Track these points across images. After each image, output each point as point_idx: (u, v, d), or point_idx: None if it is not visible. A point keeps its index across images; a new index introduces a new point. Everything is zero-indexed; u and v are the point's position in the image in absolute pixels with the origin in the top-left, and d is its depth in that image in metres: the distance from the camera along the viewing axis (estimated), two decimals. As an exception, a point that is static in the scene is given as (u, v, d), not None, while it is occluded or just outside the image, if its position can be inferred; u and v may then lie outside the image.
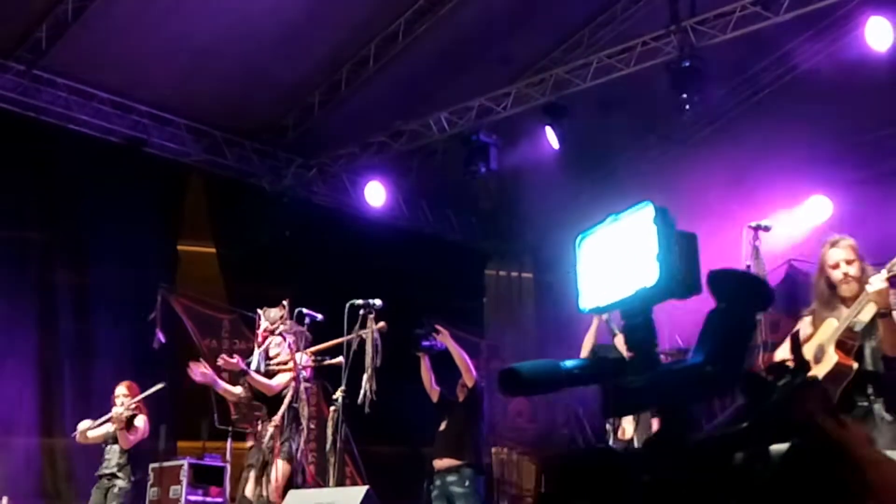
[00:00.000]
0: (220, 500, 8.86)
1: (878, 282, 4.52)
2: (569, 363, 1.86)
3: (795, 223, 9.78)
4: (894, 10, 7.96)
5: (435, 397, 7.39)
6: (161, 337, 9.13)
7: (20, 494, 8.90)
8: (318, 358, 6.80)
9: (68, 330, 9.76)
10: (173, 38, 9.21)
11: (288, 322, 6.83)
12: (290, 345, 6.77)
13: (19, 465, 9.29)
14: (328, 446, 6.39)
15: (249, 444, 7.11)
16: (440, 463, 7.18)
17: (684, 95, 8.42)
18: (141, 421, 8.22)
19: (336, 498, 5.52)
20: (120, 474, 8.05)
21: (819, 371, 4.77)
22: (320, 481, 8.22)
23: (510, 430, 11.57)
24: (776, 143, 9.48)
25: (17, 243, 9.65)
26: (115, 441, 8.13)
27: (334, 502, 5.45)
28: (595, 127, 9.86)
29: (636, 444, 6.04)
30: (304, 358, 6.73)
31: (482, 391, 7.38)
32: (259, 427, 6.73)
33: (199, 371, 6.92)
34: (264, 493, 6.36)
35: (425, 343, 7.20)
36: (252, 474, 6.55)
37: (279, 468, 6.50)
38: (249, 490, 6.54)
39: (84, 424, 8.23)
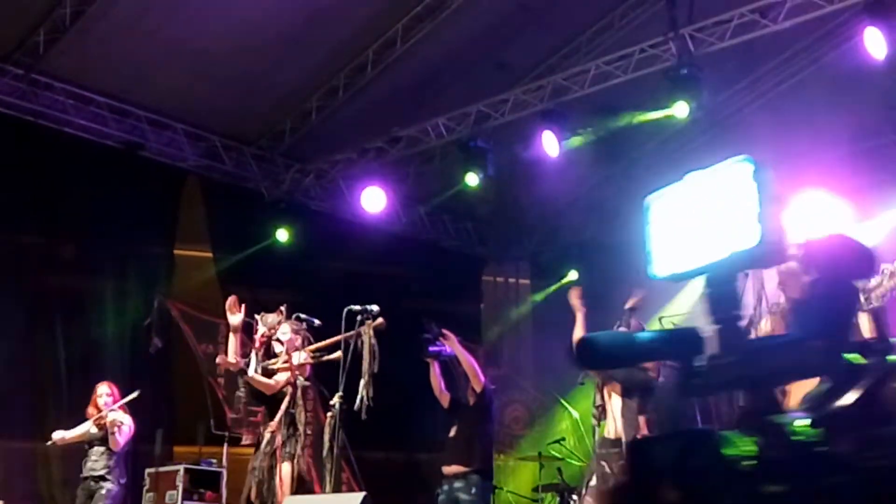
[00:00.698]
0: (216, 506, 8.84)
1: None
2: (645, 335, 1.71)
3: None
4: (889, 19, 7.96)
5: (445, 403, 7.36)
6: (157, 342, 9.11)
7: (15, 498, 8.88)
8: (317, 354, 6.78)
9: (64, 334, 9.74)
10: (171, 43, 9.21)
11: (288, 323, 6.81)
12: (287, 344, 6.76)
13: (14, 469, 9.26)
14: (325, 452, 6.38)
15: (247, 444, 7.10)
16: (448, 469, 7.16)
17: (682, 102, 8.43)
18: (128, 423, 8.21)
19: (333, 504, 5.52)
20: (108, 476, 8.05)
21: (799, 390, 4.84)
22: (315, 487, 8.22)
23: (507, 436, 11.56)
24: (774, 149, 9.50)
25: (13, 247, 9.64)
26: (101, 443, 8.11)
27: (331, 509, 5.44)
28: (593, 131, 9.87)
29: (624, 442, 6.02)
30: (302, 356, 6.72)
31: (492, 396, 7.36)
32: (260, 430, 6.71)
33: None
34: (273, 497, 6.35)
35: (433, 349, 7.18)
36: (254, 479, 6.53)
37: (283, 471, 6.49)
38: (253, 495, 6.52)
39: (58, 435, 8.23)
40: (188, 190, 10.85)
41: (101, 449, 8.12)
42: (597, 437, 6.46)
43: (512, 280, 13.31)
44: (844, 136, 9.29)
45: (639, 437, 6.04)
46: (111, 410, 8.13)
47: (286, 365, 6.68)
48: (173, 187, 10.69)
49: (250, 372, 6.72)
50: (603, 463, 6.15)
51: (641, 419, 6.16)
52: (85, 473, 8.15)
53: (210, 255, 10.92)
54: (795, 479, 1.44)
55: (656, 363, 6.25)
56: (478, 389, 7.19)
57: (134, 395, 8.34)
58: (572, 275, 12.32)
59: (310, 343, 6.86)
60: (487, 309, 13.05)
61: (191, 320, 10.35)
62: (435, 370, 7.32)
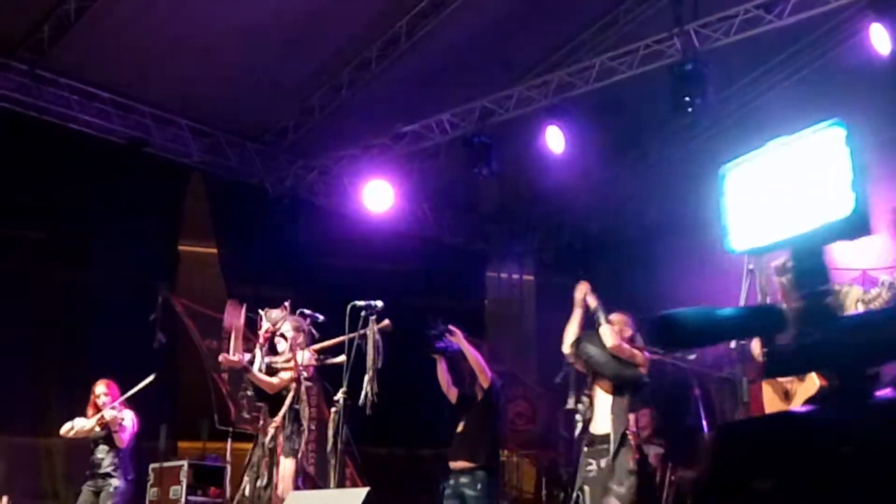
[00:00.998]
0: (219, 500, 8.86)
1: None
2: (727, 311, 1.59)
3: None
4: (894, 15, 7.95)
5: (454, 398, 7.36)
6: (161, 337, 9.12)
7: (18, 494, 8.90)
8: (321, 357, 6.79)
9: (67, 329, 9.76)
10: (176, 38, 9.21)
11: (290, 319, 6.81)
12: (290, 342, 6.76)
13: (17, 464, 9.28)
14: (329, 447, 6.37)
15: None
16: (455, 464, 7.16)
17: (687, 98, 8.41)
18: (129, 419, 8.18)
19: (337, 499, 5.52)
20: (115, 473, 8.03)
21: (803, 393, 5.04)
22: (319, 483, 8.23)
23: (510, 431, 11.55)
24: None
25: (16, 242, 9.66)
26: (105, 441, 8.10)
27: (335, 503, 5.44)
28: (598, 127, 9.86)
29: (613, 439, 5.94)
30: (306, 355, 6.72)
31: (499, 391, 7.35)
32: (260, 425, 6.73)
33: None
34: (273, 492, 6.37)
35: (440, 345, 7.16)
36: (251, 475, 6.53)
37: (285, 466, 6.49)
38: (249, 491, 6.53)
39: (66, 427, 8.22)
40: (192, 186, 10.87)
41: (106, 447, 8.11)
42: (579, 434, 6.30)
43: (516, 276, 13.30)
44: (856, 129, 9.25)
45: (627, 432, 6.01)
46: (110, 408, 8.09)
47: (289, 364, 6.67)
48: (177, 183, 10.71)
49: (254, 369, 6.73)
50: (591, 461, 6.10)
51: (632, 417, 6.13)
52: (91, 469, 8.15)
53: (214, 250, 10.93)
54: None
55: (647, 359, 6.25)
56: (485, 385, 7.19)
57: (149, 379, 8.27)
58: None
59: (313, 339, 6.86)
60: (491, 305, 13.05)
61: (195, 316, 10.36)
62: (442, 366, 7.31)
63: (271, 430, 6.62)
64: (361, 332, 6.40)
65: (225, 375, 10.32)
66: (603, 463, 5.99)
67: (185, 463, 8.96)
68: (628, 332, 6.29)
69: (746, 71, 9.97)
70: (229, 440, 9.28)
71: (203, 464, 8.96)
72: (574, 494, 6.16)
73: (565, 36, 9.93)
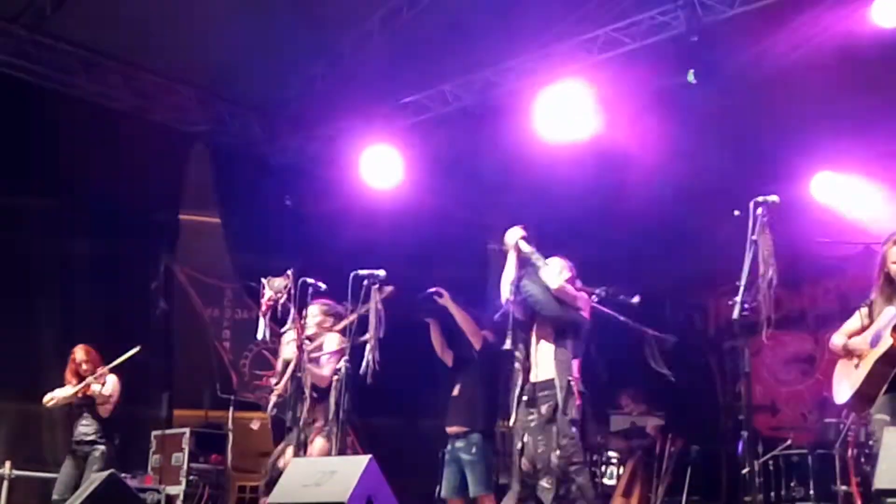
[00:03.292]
0: (221, 467, 8.92)
1: None
2: None
3: (802, 199, 9.77)
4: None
5: (449, 361, 7.37)
6: (163, 305, 9.15)
7: (20, 460, 8.96)
8: (351, 337, 6.81)
9: (69, 297, 9.78)
10: (178, 6, 9.16)
11: (317, 303, 6.82)
12: (294, 316, 6.77)
13: (19, 431, 9.34)
14: (330, 416, 6.41)
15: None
16: (451, 429, 7.20)
17: (692, 70, 8.37)
18: (111, 387, 8.17)
19: (338, 467, 5.55)
20: (100, 440, 8.07)
21: (876, 353, 5.19)
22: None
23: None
24: (783, 119, 9.46)
25: (17, 209, 9.65)
26: (88, 410, 8.11)
27: (337, 472, 5.47)
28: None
29: (559, 386, 5.86)
30: (336, 338, 6.74)
31: (493, 352, 7.33)
32: (302, 412, 6.72)
33: None
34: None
35: (430, 307, 7.18)
36: (290, 449, 6.59)
37: (315, 445, 6.60)
38: (282, 463, 6.59)
39: (48, 397, 8.23)
40: (195, 154, 10.85)
41: (90, 416, 8.14)
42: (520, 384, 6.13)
43: (517, 248, 13.28)
44: (857, 104, 9.24)
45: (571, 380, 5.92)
46: (95, 381, 8.06)
47: (328, 352, 6.73)
48: (180, 151, 10.69)
49: (258, 338, 6.76)
50: (531, 410, 6.00)
51: (575, 362, 6.02)
52: (76, 437, 8.17)
53: (217, 219, 10.94)
54: None
55: (587, 302, 6.18)
56: (477, 347, 7.20)
57: (133, 351, 8.25)
58: None
59: (340, 318, 6.86)
60: (494, 276, 13.03)
61: (197, 284, 10.39)
62: (435, 329, 7.32)
63: (273, 398, 6.67)
64: (365, 304, 6.40)
65: (227, 344, 10.37)
66: (544, 409, 5.89)
67: (186, 430, 9.02)
68: (568, 274, 6.27)
69: (755, 41, 9.90)
70: (231, 408, 9.32)
71: (205, 431, 9.01)
72: (517, 444, 6.04)
73: (569, 7, 9.86)
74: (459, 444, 7.05)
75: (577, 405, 5.81)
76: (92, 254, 9.96)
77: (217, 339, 10.35)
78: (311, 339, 6.83)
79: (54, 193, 9.85)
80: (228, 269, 10.75)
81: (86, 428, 8.14)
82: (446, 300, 7.14)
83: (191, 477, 8.75)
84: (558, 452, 5.72)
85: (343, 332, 6.80)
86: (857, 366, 5.35)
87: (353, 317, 6.57)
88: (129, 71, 9.84)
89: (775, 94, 9.71)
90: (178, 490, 8.82)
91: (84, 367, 8.16)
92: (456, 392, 7.24)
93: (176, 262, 10.28)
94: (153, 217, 10.30)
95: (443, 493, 7.24)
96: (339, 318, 6.93)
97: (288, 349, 6.81)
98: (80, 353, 8.25)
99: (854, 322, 5.53)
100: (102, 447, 8.07)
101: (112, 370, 8.22)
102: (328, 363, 6.77)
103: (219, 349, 10.34)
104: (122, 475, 7.83)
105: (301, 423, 6.49)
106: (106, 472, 7.27)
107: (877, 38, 8.28)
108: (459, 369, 7.33)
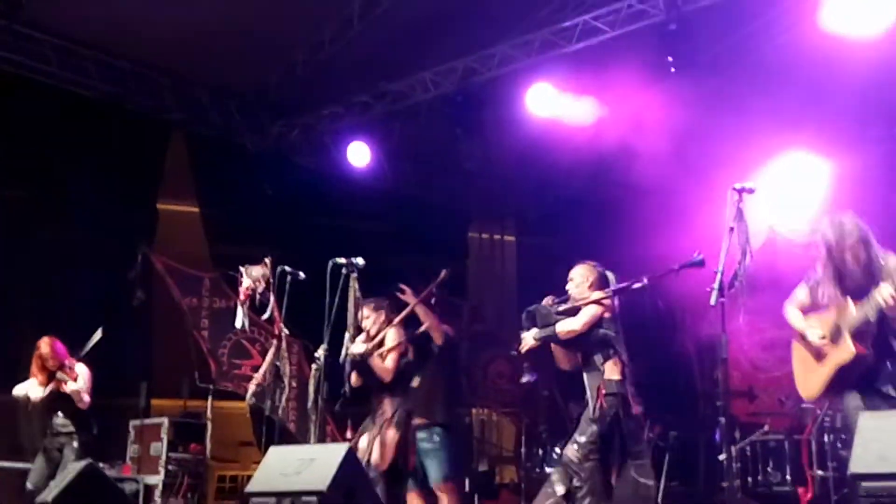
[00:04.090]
0: (200, 457, 8.90)
1: (888, 297, 4.88)
2: None
3: (778, 187, 9.82)
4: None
5: (410, 354, 7.42)
6: (141, 294, 9.10)
7: (1, 450, 8.91)
8: (409, 331, 6.91)
9: (46, 287, 9.72)
10: (155, -8, 9.09)
11: (368, 303, 6.84)
12: (273, 305, 6.76)
13: (-2, 422, 9.28)
14: (310, 404, 6.41)
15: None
16: (413, 421, 7.25)
17: (670, 59, 8.40)
18: (82, 381, 8.05)
19: (317, 455, 5.54)
20: (77, 431, 7.98)
21: (837, 357, 5.18)
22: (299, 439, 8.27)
23: (491, 390, 11.64)
24: (761, 107, 9.49)
25: (-6, 199, 9.59)
26: (62, 408, 7.98)
27: (316, 459, 5.46)
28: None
29: (590, 396, 5.95)
30: (393, 333, 6.80)
31: (455, 346, 7.37)
32: (378, 402, 6.73)
33: None
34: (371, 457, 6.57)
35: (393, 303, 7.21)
36: (366, 437, 6.70)
37: (390, 437, 6.65)
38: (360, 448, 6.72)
39: (20, 392, 8.10)
40: (173, 143, 10.79)
41: (62, 413, 8.03)
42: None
43: (497, 236, 13.34)
44: (835, 93, 9.28)
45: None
46: (67, 373, 7.91)
47: (395, 349, 6.79)
48: (158, 140, 10.62)
49: (237, 326, 6.74)
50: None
51: (608, 365, 6.09)
52: (53, 430, 8.07)
53: (195, 208, 10.89)
54: None
55: (601, 307, 6.17)
56: (439, 342, 7.24)
57: (97, 334, 8.11)
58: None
59: (390, 311, 6.92)
60: (473, 265, 13.08)
61: (175, 274, 10.34)
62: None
63: (252, 387, 6.67)
64: (357, 293, 6.42)
65: (205, 333, 10.34)
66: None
67: (165, 420, 8.98)
68: (594, 275, 6.25)
69: (733, 30, 9.93)
70: (210, 398, 9.30)
71: (184, 420, 8.99)
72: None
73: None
74: (421, 434, 7.12)
75: (599, 406, 5.91)
76: (69, 243, 9.89)
77: (195, 328, 10.31)
78: (372, 337, 6.89)
79: (31, 183, 9.77)
80: (206, 258, 10.71)
81: (61, 420, 8.05)
82: (408, 296, 7.16)
83: (169, 466, 8.72)
84: (574, 447, 5.85)
85: (400, 324, 6.92)
86: (818, 359, 5.33)
87: (408, 310, 6.63)
88: (104, 59, 9.76)
89: (755, 81, 9.76)
90: (156, 480, 8.79)
91: (50, 361, 7.98)
92: (416, 384, 7.30)
93: (154, 252, 10.22)
94: (130, 206, 10.23)
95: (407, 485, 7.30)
96: (388, 311, 6.99)
97: (356, 346, 6.85)
98: (44, 346, 8.02)
99: (802, 294, 5.42)
100: (82, 437, 7.99)
101: (80, 360, 8.08)
102: (391, 357, 6.84)
103: (197, 338, 10.30)
104: (101, 465, 7.79)
105: (279, 411, 6.50)
106: (83, 462, 7.23)
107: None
108: (420, 363, 7.40)
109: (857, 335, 5.08)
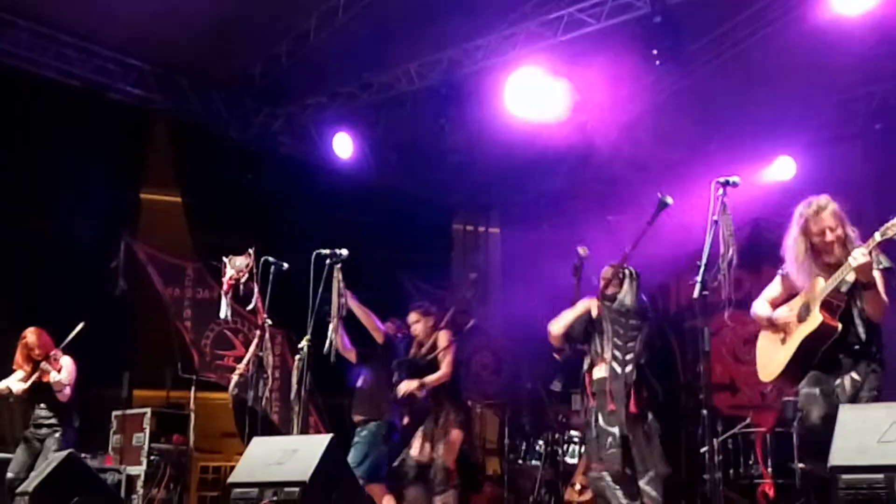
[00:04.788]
0: (183, 447, 8.88)
1: (860, 256, 4.71)
2: None
3: (761, 181, 9.87)
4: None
5: (353, 358, 7.53)
6: (123, 284, 9.06)
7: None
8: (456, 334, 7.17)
9: (27, 277, 9.64)
10: (139, -19, 9.03)
11: (421, 321, 7.13)
12: (257, 296, 6.75)
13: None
14: (292, 395, 6.41)
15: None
16: (356, 418, 7.48)
17: (655, 51, 8.41)
18: (66, 372, 8.01)
19: (300, 446, 5.53)
20: (59, 423, 7.94)
21: (804, 329, 5.02)
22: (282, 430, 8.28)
23: (474, 382, 11.65)
24: (744, 101, 9.52)
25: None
26: (44, 399, 7.94)
27: (298, 450, 5.46)
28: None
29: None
30: (446, 335, 7.07)
31: (395, 346, 7.45)
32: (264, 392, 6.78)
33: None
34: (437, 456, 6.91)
35: (328, 307, 7.25)
36: (420, 438, 7.02)
37: (452, 435, 6.98)
38: (415, 451, 7.02)
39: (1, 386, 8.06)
40: (156, 133, 10.72)
41: (45, 404, 7.99)
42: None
43: (482, 228, 13.34)
44: (819, 87, 9.33)
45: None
46: (51, 363, 7.86)
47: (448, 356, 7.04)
48: (140, 129, 10.55)
49: (222, 314, 6.74)
50: None
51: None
52: (34, 421, 8.03)
53: (178, 199, 10.83)
54: None
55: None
56: (379, 341, 7.33)
57: (79, 327, 8.07)
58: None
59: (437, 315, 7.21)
60: (458, 257, 13.09)
61: (158, 263, 10.30)
62: (338, 330, 7.42)
63: (235, 378, 6.66)
64: (341, 284, 6.44)
65: (188, 324, 10.31)
66: None
67: (147, 410, 8.95)
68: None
69: (717, 23, 9.96)
70: (193, 388, 9.27)
71: (166, 411, 8.95)
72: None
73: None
74: (364, 432, 7.24)
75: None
76: (51, 233, 9.82)
77: (178, 318, 10.28)
78: (422, 343, 7.23)
79: (9, 172, 9.68)
80: (189, 248, 10.66)
81: (43, 412, 8.00)
82: (347, 299, 7.23)
83: (152, 457, 8.68)
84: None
85: (446, 326, 7.18)
86: (783, 341, 5.21)
87: (451, 313, 6.93)
88: (87, 48, 9.68)
89: (738, 75, 9.79)
90: (139, 470, 8.75)
91: (36, 351, 7.95)
92: (360, 383, 7.45)
93: (136, 241, 10.17)
94: (113, 195, 10.16)
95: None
96: (436, 315, 7.28)
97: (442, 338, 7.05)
98: (31, 336, 8.00)
99: (775, 288, 5.36)
100: (64, 428, 7.95)
101: (65, 352, 8.06)
102: (446, 359, 7.06)
103: (180, 329, 10.27)
104: (83, 455, 7.76)
105: (262, 401, 6.49)
106: (65, 452, 7.19)
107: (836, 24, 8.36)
108: (363, 363, 7.50)
109: (827, 306, 4.94)
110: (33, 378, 7.91)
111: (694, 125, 10.23)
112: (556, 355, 6.54)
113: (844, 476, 4.07)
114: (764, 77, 9.49)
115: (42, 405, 7.99)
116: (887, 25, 8.39)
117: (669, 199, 5.60)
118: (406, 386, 6.99)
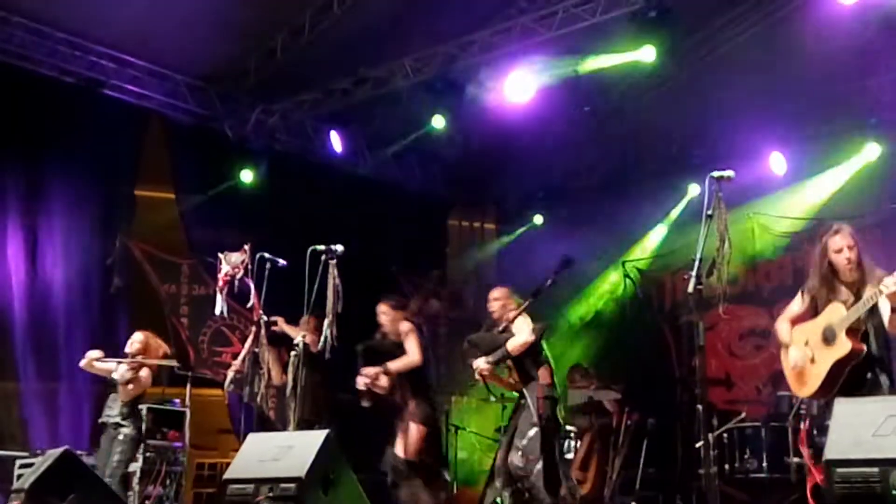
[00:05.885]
0: (178, 444, 8.86)
1: (892, 284, 5.07)
2: None
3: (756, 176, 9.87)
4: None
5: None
6: (119, 281, 9.05)
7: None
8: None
9: (22, 274, 9.63)
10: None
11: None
12: (254, 293, 6.75)
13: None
14: (288, 391, 6.40)
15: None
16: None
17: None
18: (144, 373, 7.99)
19: (296, 442, 5.53)
20: (125, 423, 7.91)
21: (834, 353, 5.39)
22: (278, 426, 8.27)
23: (469, 378, 11.63)
24: (738, 96, 9.53)
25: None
26: (116, 389, 7.94)
27: (294, 446, 5.45)
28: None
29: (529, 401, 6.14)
30: (408, 322, 7.10)
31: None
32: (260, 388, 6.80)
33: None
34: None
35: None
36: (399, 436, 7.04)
37: (411, 430, 7.00)
38: (399, 449, 7.03)
39: (93, 354, 8.02)
40: (151, 129, 10.70)
41: (116, 395, 7.98)
42: None
43: (477, 224, 13.34)
44: (812, 82, 9.34)
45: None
46: (130, 368, 7.85)
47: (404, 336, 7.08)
48: (136, 127, 10.53)
49: (217, 310, 6.74)
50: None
51: (542, 371, 6.50)
52: (103, 419, 8.03)
53: (173, 195, 10.82)
54: None
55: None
56: (314, 348, 7.35)
57: (173, 363, 8.21)
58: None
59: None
60: (453, 252, 13.09)
61: (154, 260, 10.29)
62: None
63: (231, 374, 6.66)
64: (336, 280, 6.44)
65: (185, 320, 10.30)
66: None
67: (144, 406, 8.93)
68: (511, 295, 6.73)
69: (716, 16, 9.96)
70: (188, 385, 9.26)
71: (162, 407, 8.93)
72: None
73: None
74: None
75: (538, 411, 6.30)
76: (47, 229, 9.80)
77: (174, 315, 10.27)
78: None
79: (6, 169, 9.67)
80: (185, 245, 10.65)
81: (110, 410, 7.82)
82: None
83: (148, 454, 8.66)
84: (519, 454, 6.27)
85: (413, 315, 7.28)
86: (812, 360, 5.53)
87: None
88: (83, 44, 9.66)
89: (730, 71, 9.80)
90: (134, 467, 8.73)
91: (136, 346, 7.90)
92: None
93: (132, 238, 10.16)
94: (108, 193, 10.15)
95: None
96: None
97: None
98: (139, 335, 7.97)
99: (797, 304, 5.71)
100: (126, 430, 7.71)
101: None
102: (409, 343, 7.06)
103: (176, 325, 10.26)
104: (78, 452, 7.74)
105: (258, 398, 6.49)
106: (60, 449, 7.17)
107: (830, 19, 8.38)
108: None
109: (852, 333, 5.32)
110: (128, 366, 7.85)
111: (690, 121, 10.24)
112: None
113: (839, 469, 4.09)
114: (761, 70, 9.51)
115: (110, 402, 7.92)
116: (882, 17, 8.42)
117: (572, 259, 6.22)
118: (367, 373, 6.98)
